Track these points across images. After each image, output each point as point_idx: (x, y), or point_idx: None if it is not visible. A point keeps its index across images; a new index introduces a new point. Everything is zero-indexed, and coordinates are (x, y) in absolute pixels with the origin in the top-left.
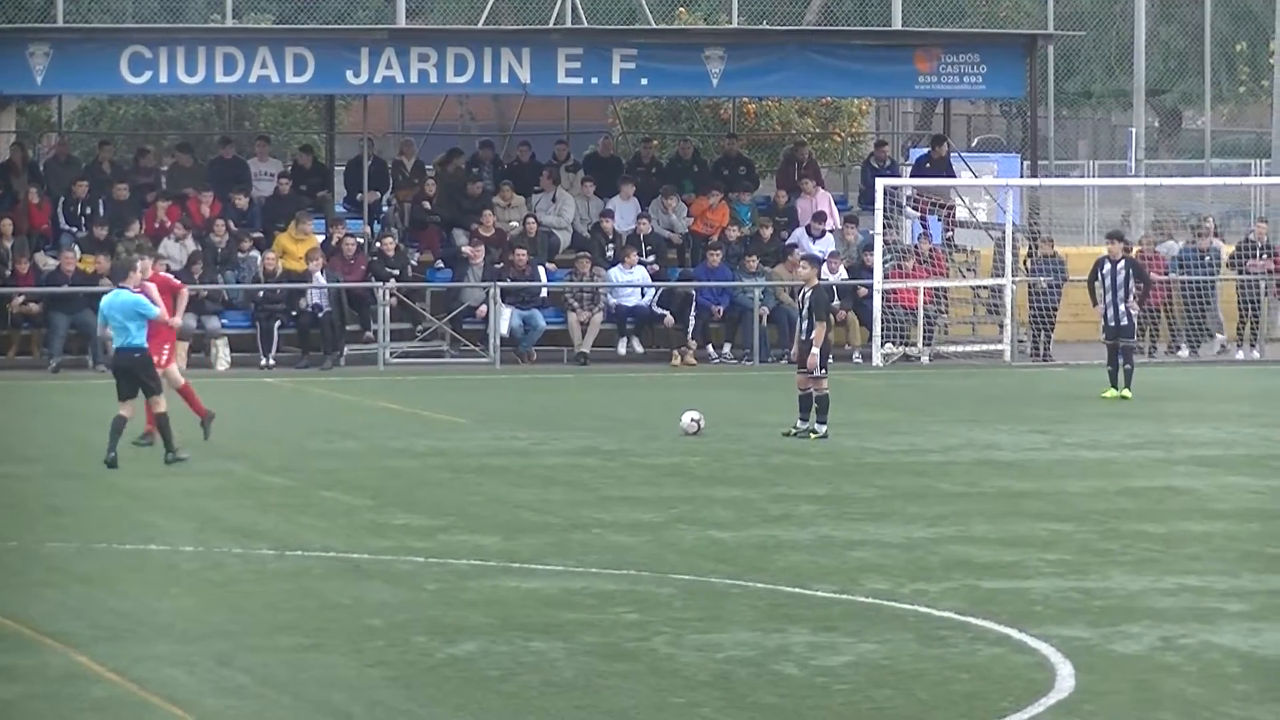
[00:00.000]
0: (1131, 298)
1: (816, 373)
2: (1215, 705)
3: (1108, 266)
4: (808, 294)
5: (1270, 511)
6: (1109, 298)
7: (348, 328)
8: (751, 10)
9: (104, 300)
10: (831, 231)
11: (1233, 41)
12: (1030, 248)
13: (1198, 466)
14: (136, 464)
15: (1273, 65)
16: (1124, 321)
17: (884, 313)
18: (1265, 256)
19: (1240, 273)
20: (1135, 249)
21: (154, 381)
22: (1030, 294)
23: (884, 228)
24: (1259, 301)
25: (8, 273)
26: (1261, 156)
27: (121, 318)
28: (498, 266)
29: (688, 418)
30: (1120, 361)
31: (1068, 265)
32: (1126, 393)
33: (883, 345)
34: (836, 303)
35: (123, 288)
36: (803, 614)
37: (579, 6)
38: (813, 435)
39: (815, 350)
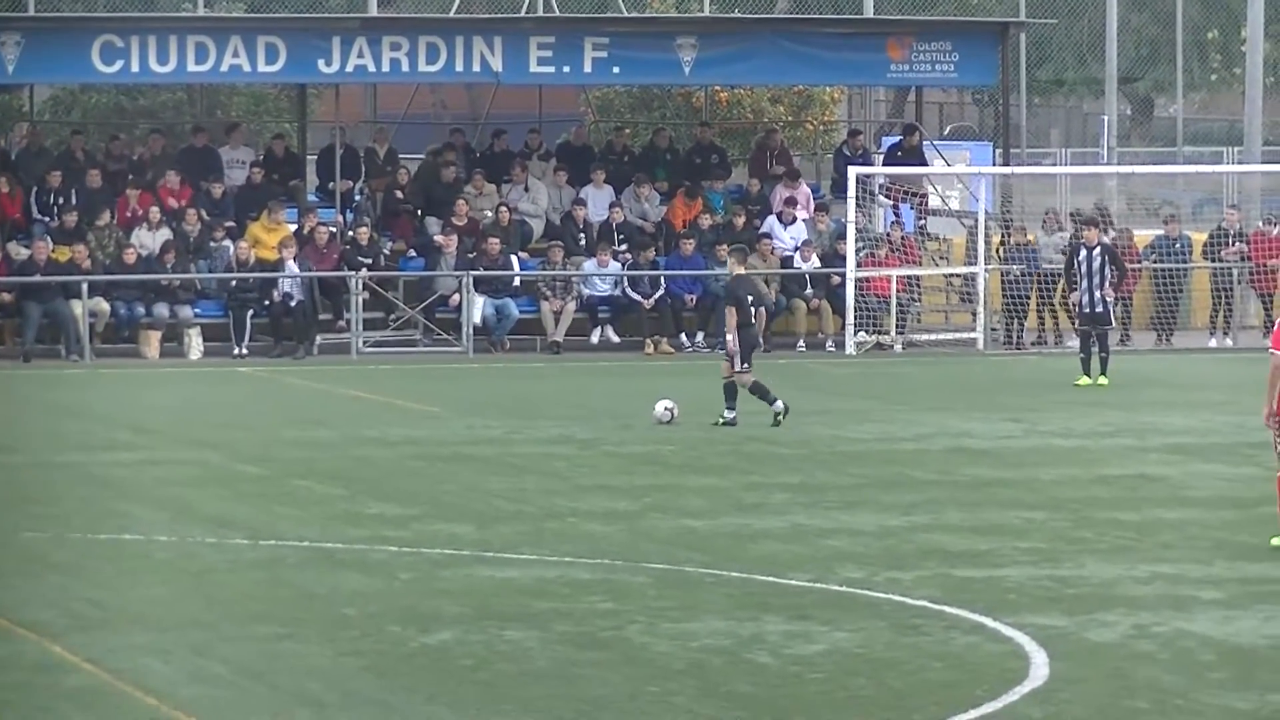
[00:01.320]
0: (1107, 284)
1: (738, 366)
2: (1189, 693)
3: (1084, 253)
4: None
5: (1243, 499)
6: (1084, 284)
7: (320, 317)
8: None
9: None
10: (804, 220)
11: (1205, 29)
12: (1003, 236)
13: (1171, 454)
14: (110, 453)
15: (1244, 53)
16: (1099, 309)
17: (857, 301)
18: (1237, 244)
19: (1213, 261)
20: (1111, 235)
21: None
22: (1003, 282)
23: (857, 216)
24: (1231, 289)
25: None
26: (1234, 144)
27: None
28: (471, 255)
29: (661, 406)
30: (1094, 349)
31: (1040, 253)
32: (1103, 380)
33: (856, 333)
34: (768, 294)
35: None
36: (777, 603)
37: None
38: (720, 421)
39: (729, 337)
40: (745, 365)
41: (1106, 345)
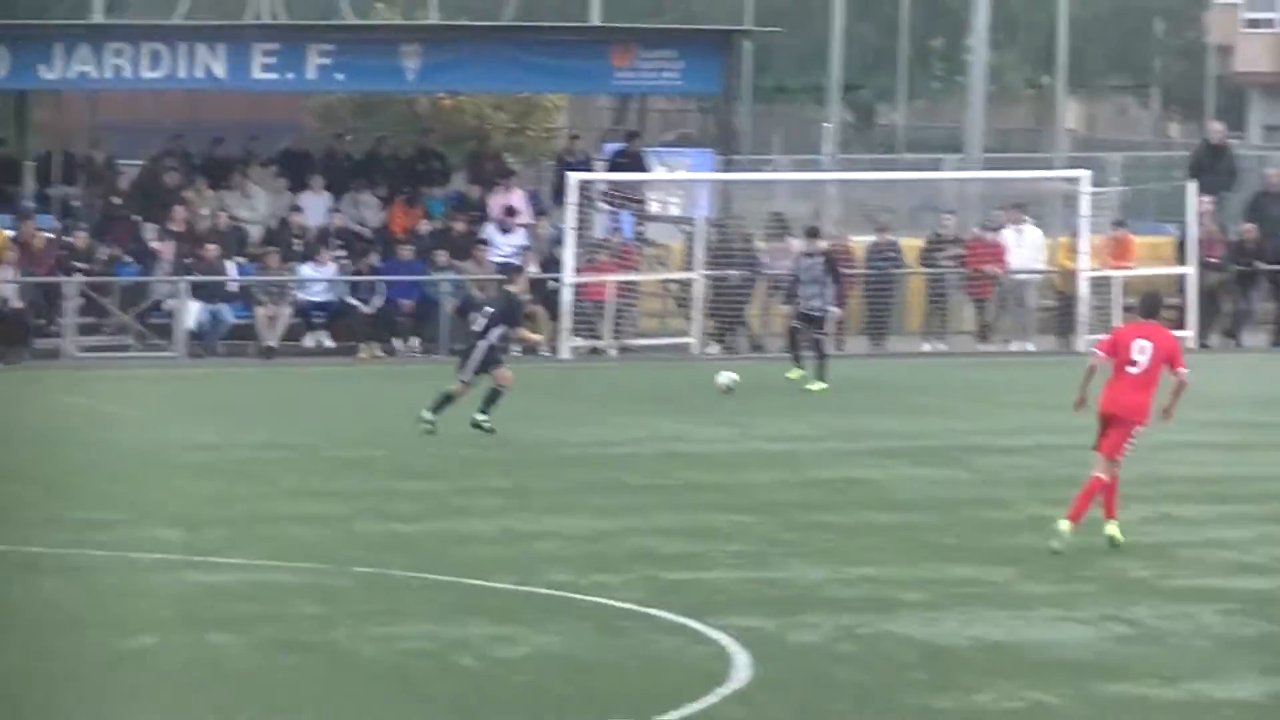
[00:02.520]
0: (828, 292)
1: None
2: (890, 694)
3: (805, 261)
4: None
5: (949, 502)
6: (806, 291)
7: (38, 322)
8: (449, 5)
9: None
10: (524, 226)
11: (928, 37)
12: (720, 242)
13: (879, 458)
14: None
15: (968, 61)
16: (815, 315)
17: (574, 306)
18: (953, 249)
19: (930, 266)
20: (829, 244)
21: None
22: (721, 287)
23: (576, 222)
24: (946, 295)
25: None
26: (954, 151)
27: None
28: (187, 261)
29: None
30: (809, 352)
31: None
32: (819, 385)
33: (572, 338)
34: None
35: None
36: (483, 606)
37: (275, 1)
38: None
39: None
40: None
41: (823, 350)
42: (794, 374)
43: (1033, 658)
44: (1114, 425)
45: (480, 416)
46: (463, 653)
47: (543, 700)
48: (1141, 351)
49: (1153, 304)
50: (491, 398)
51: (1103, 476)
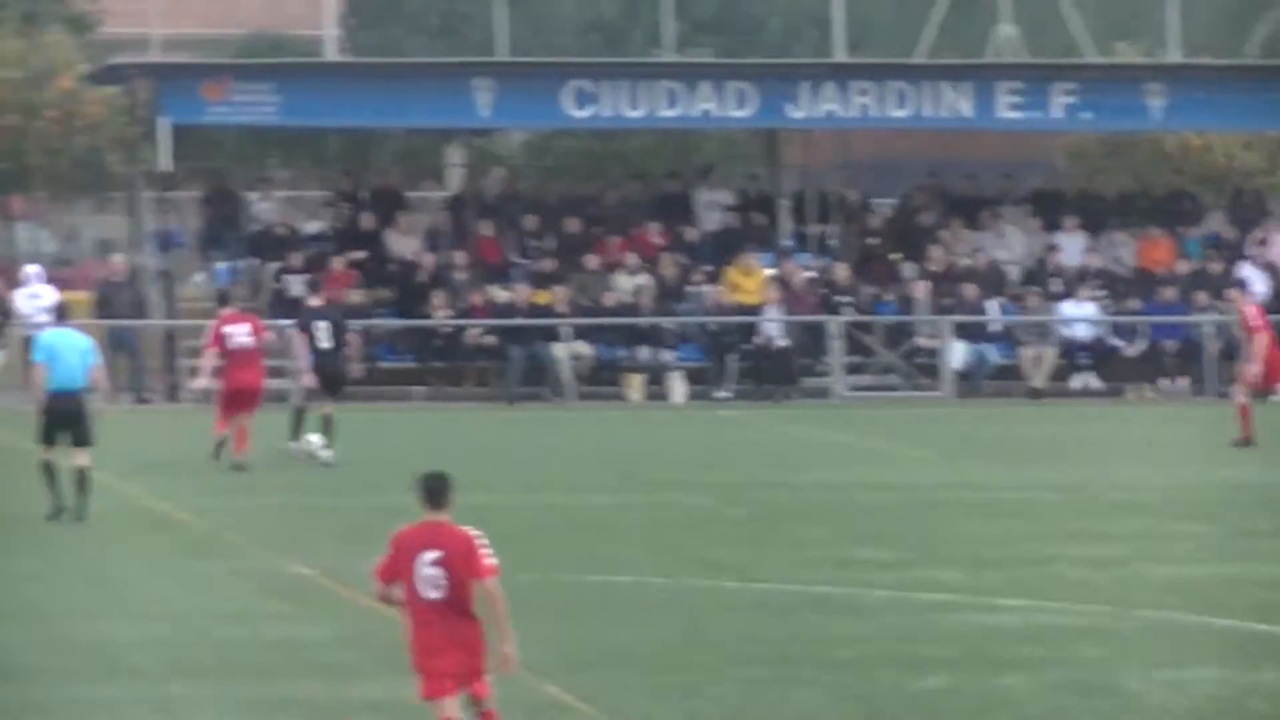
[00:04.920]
0: None
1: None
2: None
3: None
4: None
5: None
6: None
7: (803, 360)
8: (1192, 42)
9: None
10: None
11: None
12: None
13: None
14: (594, 495)
15: None
16: None
17: None
18: None
19: None
20: None
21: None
22: None
23: None
24: None
25: (463, 305)
26: None
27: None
28: (946, 301)
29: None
30: None
31: None
32: None
33: None
34: None
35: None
36: (1278, 653)
37: (1015, 37)
38: None
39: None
40: None
41: None
42: None
43: None
44: None
45: None
46: (1253, 698)
47: None
48: None
49: None
50: None
51: None
